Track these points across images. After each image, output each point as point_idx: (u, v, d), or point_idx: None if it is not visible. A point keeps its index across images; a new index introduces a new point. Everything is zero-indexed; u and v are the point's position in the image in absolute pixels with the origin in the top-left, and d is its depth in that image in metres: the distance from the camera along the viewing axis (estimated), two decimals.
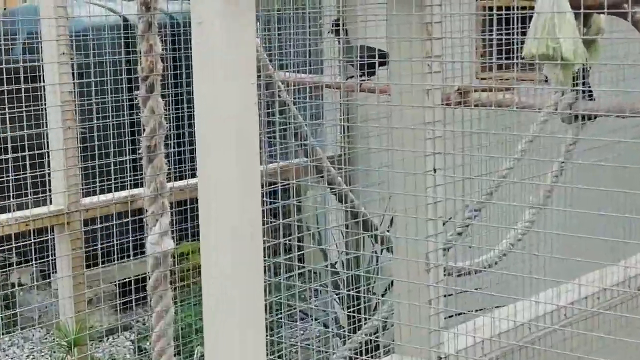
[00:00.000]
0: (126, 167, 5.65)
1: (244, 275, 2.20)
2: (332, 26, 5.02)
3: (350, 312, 5.06)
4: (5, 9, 7.89)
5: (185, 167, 5.69)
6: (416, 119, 2.92)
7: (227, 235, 2.18)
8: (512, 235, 3.70)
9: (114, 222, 5.66)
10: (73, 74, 5.32)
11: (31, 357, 6.84)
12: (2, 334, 7.21)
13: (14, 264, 7.07)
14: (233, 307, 2.18)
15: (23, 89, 5.61)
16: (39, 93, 5.35)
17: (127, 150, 5.84)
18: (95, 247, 5.54)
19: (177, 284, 6.43)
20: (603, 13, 2.56)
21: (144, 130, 2.58)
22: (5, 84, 5.80)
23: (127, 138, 6.05)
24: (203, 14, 2.15)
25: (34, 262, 6.60)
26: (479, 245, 3.54)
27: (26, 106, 5.63)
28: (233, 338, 2.21)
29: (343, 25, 4.86)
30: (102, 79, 6.16)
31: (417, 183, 2.93)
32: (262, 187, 2.64)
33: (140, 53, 2.59)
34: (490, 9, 3.91)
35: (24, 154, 5.26)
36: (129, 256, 6.04)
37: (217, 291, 2.22)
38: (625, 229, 3.38)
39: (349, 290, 5.22)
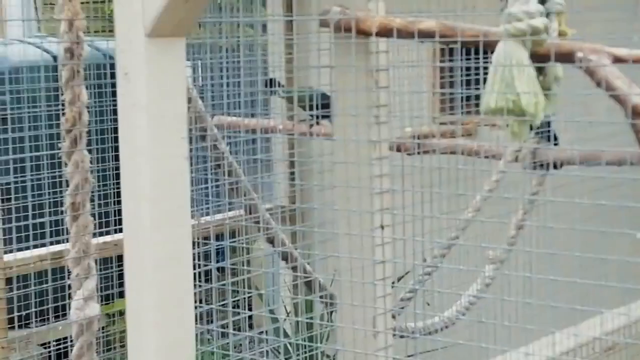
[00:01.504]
0: (48, 221, 5.73)
1: (170, 342, 2.16)
2: (268, 83, 5.10)
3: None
4: None
5: (112, 221, 5.72)
6: (363, 172, 2.95)
7: (154, 298, 2.17)
8: (474, 291, 3.73)
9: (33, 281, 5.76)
10: None
11: None
12: None
13: None
14: None
15: None
16: None
17: (49, 206, 5.88)
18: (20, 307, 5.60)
19: (108, 349, 6.45)
20: (558, 62, 2.63)
21: (67, 185, 2.61)
22: None
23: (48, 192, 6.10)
24: (129, 64, 2.15)
25: None
26: (432, 306, 3.59)
27: None
28: None
29: (277, 83, 4.98)
30: (23, 131, 6.24)
31: (363, 241, 2.97)
32: (196, 244, 2.67)
33: (64, 103, 2.61)
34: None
35: None
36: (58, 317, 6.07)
37: None
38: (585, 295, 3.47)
39: (298, 357, 5.27)
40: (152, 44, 2.10)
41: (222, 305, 3.89)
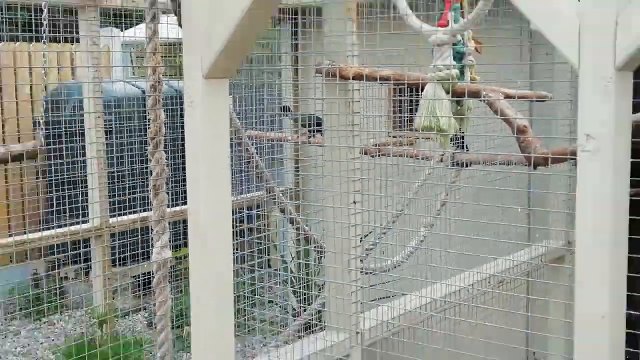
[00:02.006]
0: (139, 197, 5.85)
1: (217, 274, 2.15)
2: (282, 109, 5.17)
3: (299, 300, 5.12)
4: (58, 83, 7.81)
5: (179, 197, 5.79)
6: (342, 167, 2.96)
7: (207, 247, 2.13)
8: (413, 245, 3.74)
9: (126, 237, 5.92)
10: (106, 131, 5.39)
11: (73, 330, 6.77)
12: (53, 313, 7.18)
13: (65, 264, 7.26)
14: (211, 297, 2.14)
15: (67, 146, 5.80)
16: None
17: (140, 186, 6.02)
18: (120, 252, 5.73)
19: (177, 279, 6.47)
20: (468, 98, 2.63)
21: (151, 173, 2.61)
22: (56, 138, 5.99)
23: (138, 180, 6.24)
24: (192, 96, 2.09)
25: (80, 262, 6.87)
26: (386, 254, 3.60)
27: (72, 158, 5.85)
28: (210, 319, 2.17)
29: (287, 109, 5.07)
30: (122, 139, 6.36)
31: (342, 212, 2.98)
32: (234, 212, 2.68)
33: (149, 120, 2.61)
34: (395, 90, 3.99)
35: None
36: (144, 259, 6.24)
37: (200, 286, 2.17)
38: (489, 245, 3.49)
39: (299, 285, 5.29)
40: (207, 83, 2.08)
41: (250, 251, 3.91)
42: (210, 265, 2.14)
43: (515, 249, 3.85)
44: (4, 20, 4.69)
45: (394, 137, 5.19)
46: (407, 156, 3.72)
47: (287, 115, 5.24)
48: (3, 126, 7.62)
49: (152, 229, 2.58)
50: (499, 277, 3.57)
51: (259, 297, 4.29)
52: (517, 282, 4.05)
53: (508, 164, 3.09)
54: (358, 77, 2.76)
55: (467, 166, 3.72)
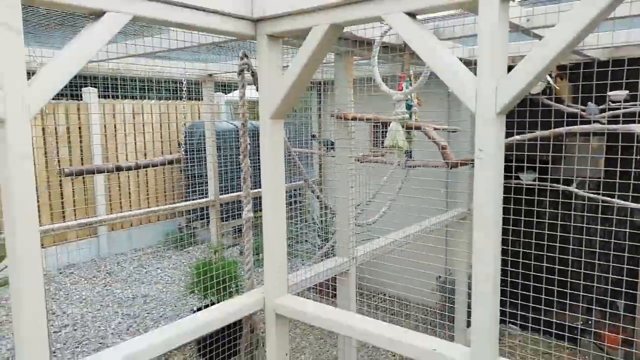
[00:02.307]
0: (235, 184, 5.81)
1: (279, 226, 2.13)
2: (312, 136, 5.11)
3: (321, 240, 5.09)
4: (186, 124, 7.83)
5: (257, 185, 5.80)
6: (345, 168, 2.92)
7: (272, 210, 2.12)
8: (383, 210, 3.70)
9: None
10: (217, 148, 5.31)
11: (200, 256, 6.80)
12: (189, 247, 7.22)
13: (195, 220, 7.25)
14: (275, 237, 2.11)
15: (197, 156, 5.79)
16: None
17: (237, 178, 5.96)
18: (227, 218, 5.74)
19: (255, 229, 6.44)
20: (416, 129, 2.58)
21: (242, 171, 2.60)
22: (190, 152, 6.01)
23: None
24: (263, 130, 2.09)
25: (204, 219, 6.85)
26: (368, 215, 3.55)
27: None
28: (275, 249, 2.13)
29: (315, 136, 5.03)
30: (226, 153, 6.28)
31: (346, 192, 2.94)
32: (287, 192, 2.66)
33: (240, 143, 2.60)
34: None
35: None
36: (239, 217, 6.22)
37: (270, 233, 2.12)
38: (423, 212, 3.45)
39: (321, 232, 5.26)
40: (271, 122, 2.08)
41: (296, 214, 3.89)
42: (275, 222, 2.13)
43: (439, 213, 3.81)
44: (158, 87, 4.69)
45: (373, 151, 5.13)
46: (380, 162, 3.65)
47: (314, 139, 5.19)
48: (163, 146, 7.70)
49: (242, 201, 2.56)
50: (430, 228, 3.53)
51: (299, 238, 4.30)
52: (440, 231, 4.01)
53: (436, 167, 3.04)
54: (354, 118, 2.72)
55: (413, 168, 3.65)
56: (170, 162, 4.04)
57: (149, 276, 6.21)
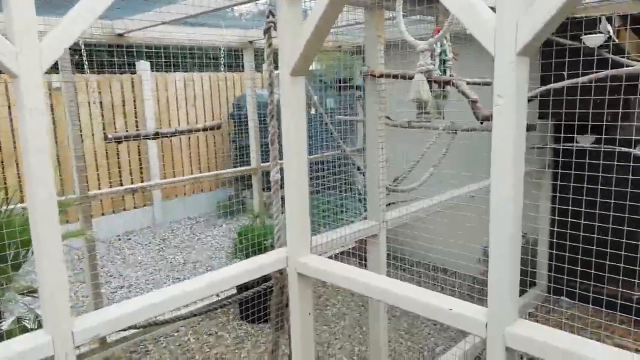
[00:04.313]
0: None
1: (297, 184, 2.10)
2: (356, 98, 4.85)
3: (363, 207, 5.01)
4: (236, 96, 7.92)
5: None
6: (373, 128, 2.80)
7: (291, 170, 2.10)
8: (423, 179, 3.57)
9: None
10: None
11: (245, 223, 7.00)
12: (237, 214, 7.43)
13: (243, 189, 7.41)
14: (294, 197, 2.15)
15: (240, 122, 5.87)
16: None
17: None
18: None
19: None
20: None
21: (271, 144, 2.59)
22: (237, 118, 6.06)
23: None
24: (282, 92, 2.06)
25: (249, 188, 6.99)
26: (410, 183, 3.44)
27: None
28: (297, 207, 2.16)
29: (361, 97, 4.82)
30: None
31: (377, 168, 2.84)
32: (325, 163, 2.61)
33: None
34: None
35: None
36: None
37: (291, 197, 2.14)
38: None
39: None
40: (291, 79, 2.03)
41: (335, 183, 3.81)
42: (298, 181, 2.10)
43: (482, 180, 3.63)
44: (203, 58, 4.76)
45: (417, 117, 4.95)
46: (425, 128, 3.48)
47: (360, 100, 4.79)
48: (213, 117, 7.89)
49: (271, 166, 2.56)
50: (470, 194, 3.38)
51: (342, 208, 4.25)
52: (481, 199, 3.83)
53: (473, 130, 2.87)
54: (381, 75, 2.60)
55: (455, 132, 3.46)
56: (212, 128, 4.11)
57: (199, 243, 6.48)
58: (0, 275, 2.63)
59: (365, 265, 2.85)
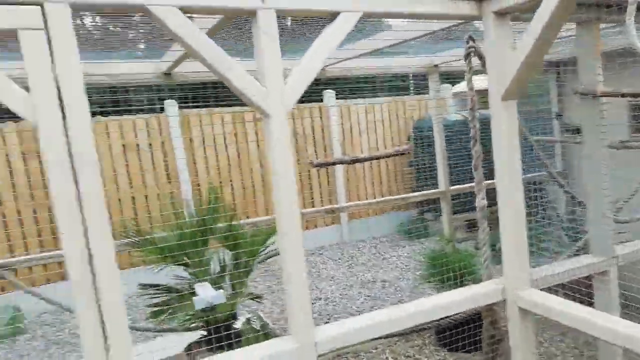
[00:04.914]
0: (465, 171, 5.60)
1: (514, 212, 2.03)
2: (556, 115, 4.48)
3: (570, 238, 4.46)
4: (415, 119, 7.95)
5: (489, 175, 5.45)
6: (596, 154, 2.52)
7: (506, 197, 2.03)
8: None
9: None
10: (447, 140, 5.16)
11: (433, 247, 6.90)
12: (422, 237, 7.39)
13: (427, 212, 7.35)
14: (511, 225, 2.04)
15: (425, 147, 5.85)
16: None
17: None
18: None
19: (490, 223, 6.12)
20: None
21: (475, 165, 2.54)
22: (420, 143, 6.08)
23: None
24: (494, 114, 2.03)
25: (436, 211, 6.90)
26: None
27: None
28: (515, 236, 2.05)
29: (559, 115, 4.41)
30: (455, 142, 6.13)
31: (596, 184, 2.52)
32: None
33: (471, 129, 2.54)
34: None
35: None
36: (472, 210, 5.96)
37: (506, 221, 2.07)
38: None
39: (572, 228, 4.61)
40: (503, 104, 2.00)
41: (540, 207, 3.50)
42: (513, 209, 2.02)
43: None
44: (384, 85, 4.92)
45: (633, 137, 4.33)
46: None
47: (558, 118, 4.52)
48: (393, 141, 8.09)
49: (475, 189, 2.51)
50: None
51: (542, 236, 3.86)
52: None
53: None
54: (604, 94, 2.33)
55: None
56: (402, 153, 4.23)
57: (385, 262, 6.63)
58: (235, 281, 3.07)
59: (589, 304, 2.54)
